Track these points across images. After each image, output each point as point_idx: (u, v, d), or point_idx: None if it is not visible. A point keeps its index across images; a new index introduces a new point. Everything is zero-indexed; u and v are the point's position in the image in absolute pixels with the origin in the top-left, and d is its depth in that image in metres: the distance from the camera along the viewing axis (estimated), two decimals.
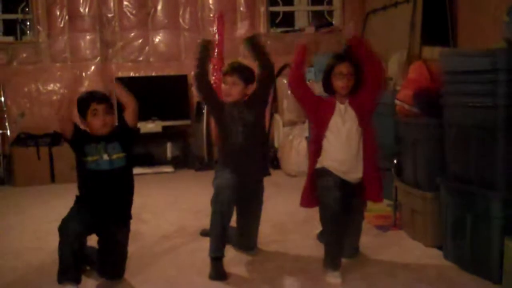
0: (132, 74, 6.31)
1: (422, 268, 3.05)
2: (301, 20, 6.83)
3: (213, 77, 5.86)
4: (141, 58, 6.36)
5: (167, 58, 6.40)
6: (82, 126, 2.90)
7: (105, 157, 2.86)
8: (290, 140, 5.66)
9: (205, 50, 3.32)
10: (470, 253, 2.91)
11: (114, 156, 2.88)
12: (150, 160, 6.15)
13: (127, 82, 6.12)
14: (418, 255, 3.24)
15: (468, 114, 2.94)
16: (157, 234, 3.79)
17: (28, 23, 6.22)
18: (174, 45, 6.39)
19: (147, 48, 6.36)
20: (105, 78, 6.18)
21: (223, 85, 3.30)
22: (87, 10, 6.13)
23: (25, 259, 3.36)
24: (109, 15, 6.25)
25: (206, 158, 6.06)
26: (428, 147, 3.37)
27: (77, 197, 2.94)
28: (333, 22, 6.78)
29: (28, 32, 6.25)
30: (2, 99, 5.97)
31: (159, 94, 6.06)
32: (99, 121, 2.84)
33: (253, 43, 3.29)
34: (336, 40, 6.35)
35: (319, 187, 2.97)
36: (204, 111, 5.94)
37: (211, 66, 5.99)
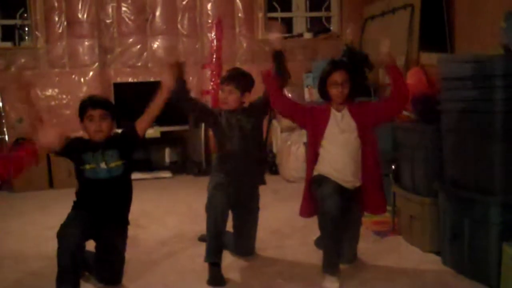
0: (130, 79, 6.32)
1: (420, 273, 3.06)
2: (299, 26, 6.85)
3: (211, 83, 5.89)
4: (139, 64, 6.36)
5: (165, 64, 6.40)
6: (82, 131, 2.91)
7: (103, 165, 2.86)
8: (289, 145, 5.67)
9: (180, 84, 3.22)
10: (468, 258, 2.92)
11: (112, 164, 2.88)
12: (148, 166, 6.15)
13: (126, 88, 6.18)
14: (416, 261, 3.24)
15: (466, 120, 2.95)
16: (156, 239, 3.79)
17: (26, 29, 6.23)
18: (172, 51, 6.39)
19: (145, 53, 6.37)
20: (104, 84, 6.18)
21: (220, 93, 3.31)
22: (85, 16, 6.13)
23: (24, 264, 3.36)
24: (108, 21, 6.26)
25: (204, 164, 6.06)
26: (426, 153, 3.38)
27: (74, 202, 2.94)
28: (331, 28, 6.80)
29: (26, 37, 6.25)
30: (0, 104, 5.96)
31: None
32: (93, 127, 2.85)
33: (280, 60, 3.24)
34: (334, 45, 6.37)
35: (318, 193, 2.96)
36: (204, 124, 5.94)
37: (209, 72, 6.03)
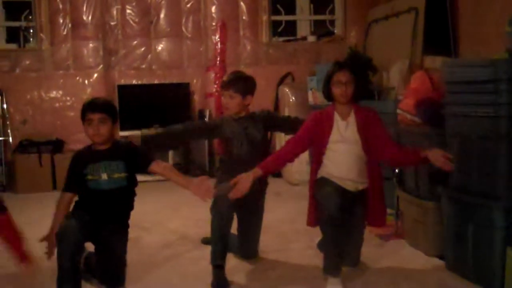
0: (134, 81, 6.34)
1: (424, 277, 3.05)
2: (303, 29, 6.86)
3: (215, 85, 5.89)
4: (143, 66, 6.38)
5: (169, 66, 6.42)
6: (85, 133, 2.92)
7: (104, 176, 2.85)
8: None
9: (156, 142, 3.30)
10: (472, 262, 2.91)
11: (115, 175, 2.86)
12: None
13: (130, 90, 6.20)
14: (420, 265, 3.23)
15: (470, 124, 2.94)
16: (159, 242, 3.79)
17: (31, 31, 6.25)
18: (176, 53, 6.41)
19: (149, 56, 6.38)
20: (108, 86, 6.20)
21: (222, 98, 3.30)
22: (90, 18, 6.15)
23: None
24: (112, 23, 6.28)
25: (208, 166, 6.06)
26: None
27: (75, 202, 2.95)
28: (335, 31, 6.81)
29: (31, 39, 6.27)
30: (5, 106, 5.98)
31: (161, 101, 6.07)
32: (91, 131, 2.83)
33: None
34: (338, 49, 6.37)
35: (319, 194, 2.95)
36: (206, 119, 5.95)
37: (213, 75, 6.04)
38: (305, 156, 5.38)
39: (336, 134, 3.01)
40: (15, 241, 2.86)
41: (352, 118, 3.03)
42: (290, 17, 6.85)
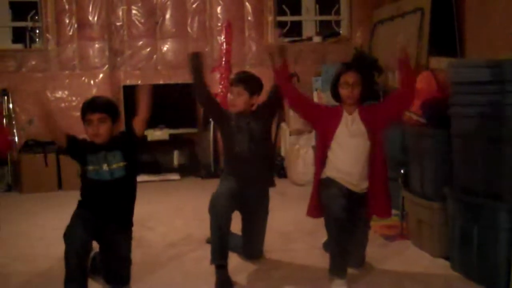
0: (140, 82, 6.33)
1: (429, 278, 3.04)
2: (309, 30, 6.85)
3: (220, 86, 5.90)
4: (149, 67, 6.38)
5: (174, 67, 6.42)
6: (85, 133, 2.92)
7: (105, 167, 2.86)
8: (297, 149, 5.66)
9: (196, 61, 3.26)
10: (477, 263, 2.90)
11: (114, 166, 2.87)
12: (156, 168, 6.16)
13: (135, 90, 6.19)
14: (425, 265, 3.22)
15: (476, 125, 2.93)
16: (163, 241, 3.80)
17: (37, 31, 6.27)
18: (182, 54, 6.40)
19: (155, 56, 6.39)
20: (113, 86, 6.21)
21: (229, 95, 3.31)
22: (96, 18, 6.17)
23: (33, 265, 3.38)
24: (118, 24, 6.29)
25: (213, 166, 6.07)
26: (436, 158, 3.36)
27: (79, 202, 2.95)
28: (340, 32, 6.80)
29: (37, 40, 6.29)
30: (11, 106, 6.00)
31: (166, 102, 6.04)
32: (91, 131, 2.84)
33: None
34: (343, 49, 6.36)
35: (325, 196, 2.96)
36: (211, 119, 5.96)
37: (218, 75, 6.04)
38: (310, 158, 5.40)
39: (343, 128, 3.03)
40: None
41: (356, 114, 3.05)
42: (295, 18, 6.85)
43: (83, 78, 6.20)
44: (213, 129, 5.96)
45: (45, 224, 4.30)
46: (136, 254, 3.04)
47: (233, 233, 3.31)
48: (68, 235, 2.69)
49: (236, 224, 3.30)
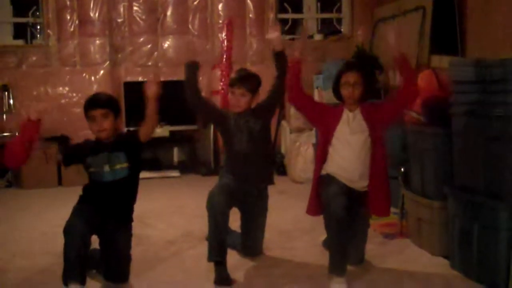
0: (140, 79, 6.32)
1: (428, 277, 3.04)
2: (310, 28, 6.84)
3: (221, 83, 5.89)
4: (150, 63, 6.38)
5: (175, 64, 6.40)
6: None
7: (106, 168, 2.87)
8: (297, 146, 5.66)
9: (191, 70, 3.29)
10: (477, 262, 2.90)
11: (117, 166, 2.88)
12: (156, 165, 6.17)
13: (136, 87, 6.20)
14: (425, 264, 3.22)
15: (477, 124, 2.93)
16: (163, 238, 3.80)
17: (38, 27, 6.27)
18: (183, 51, 6.40)
19: (156, 53, 6.39)
20: (114, 83, 6.21)
21: (230, 95, 3.30)
22: (97, 14, 6.16)
23: (32, 261, 3.38)
24: (119, 20, 6.28)
25: (213, 163, 6.07)
26: (436, 156, 3.36)
27: (80, 196, 2.96)
28: (342, 30, 6.79)
29: (38, 35, 6.29)
30: (11, 101, 6.00)
31: (167, 99, 6.02)
32: (95, 127, 2.87)
33: (281, 59, 3.26)
34: (344, 47, 6.36)
35: (324, 193, 2.96)
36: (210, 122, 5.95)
37: (219, 72, 6.03)
38: (310, 155, 5.40)
39: (344, 125, 3.03)
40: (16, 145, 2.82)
41: (358, 111, 3.05)
42: (297, 15, 6.84)
43: (84, 75, 6.20)
44: (213, 126, 5.96)
45: (45, 220, 4.31)
46: (136, 251, 3.04)
47: (233, 230, 3.32)
48: (67, 229, 2.70)
49: (235, 222, 3.31)
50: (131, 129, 5.27)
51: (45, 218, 4.38)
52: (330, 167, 3.06)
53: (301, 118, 5.86)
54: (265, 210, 3.36)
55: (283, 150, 6.19)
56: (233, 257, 3.18)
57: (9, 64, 6.06)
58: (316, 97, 5.61)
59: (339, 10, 6.83)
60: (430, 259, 3.29)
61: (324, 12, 6.87)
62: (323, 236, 3.29)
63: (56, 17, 6.12)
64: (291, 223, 4.05)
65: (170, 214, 4.48)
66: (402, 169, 3.72)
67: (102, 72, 6.22)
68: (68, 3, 6.11)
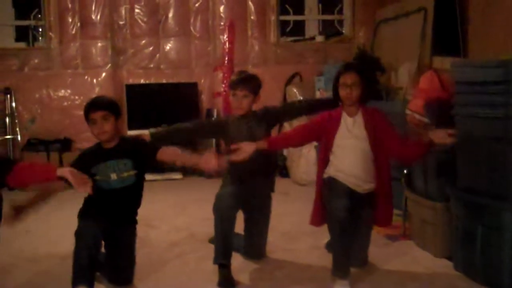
0: (142, 81, 6.35)
1: (432, 278, 3.04)
2: (312, 29, 6.85)
3: (223, 85, 5.90)
4: (151, 65, 6.39)
5: (177, 66, 6.43)
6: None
7: (114, 176, 2.88)
8: (300, 148, 5.65)
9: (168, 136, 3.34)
10: (481, 264, 2.89)
11: (125, 174, 2.89)
12: (159, 167, 6.16)
13: (138, 89, 6.21)
14: (428, 266, 3.22)
15: (480, 125, 2.93)
16: (166, 240, 3.80)
17: (40, 30, 6.28)
18: (184, 53, 6.42)
19: (157, 55, 6.39)
20: (116, 85, 6.22)
21: (231, 98, 3.29)
22: (98, 17, 6.17)
23: (37, 264, 3.38)
24: (121, 23, 6.29)
25: None
26: (439, 157, 3.36)
27: (85, 200, 2.96)
28: (343, 31, 6.79)
29: (40, 38, 6.30)
30: (13, 104, 6.01)
31: (169, 101, 6.08)
32: (96, 130, 2.87)
33: None
34: (346, 49, 6.36)
35: (327, 195, 2.96)
36: (214, 119, 5.95)
37: (220, 74, 6.04)
38: (312, 157, 5.39)
39: (344, 130, 3.02)
40: (35, 176, 2.82)
41: (359, 117, 3.03)
42: (298, 17, 6.84)
43: (86, 77, 6.21)
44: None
45: (49, 223, 4.30)
46: (140, 253, 3.04)
47: (236, 233, 3.32)
48: (80, 233, 2.71)
49: (239, 225, 3.31)
50: (135, 134, 5.31)
51: (49, 221, 4.37)
52: (332, 171, 3.05)
53: (304, 121, 5.87)
54: (268, 212, 3.36)
55: (285, 152, 6.18)
56: (236, 260, 3.18)
57: (11, 67, 6.07)
58: None
59: (340, 12, 6.83)
60: (433, 261, 3.29)
61: (326, 13, 6.87)
62: (326, 238, 3.29)
63: (58, 20, 6.13)
64: (294, 225, 4.05)
65: (173, 216, 4.48)
66: (405, 171, 3.72)
67: (104, 74, 6.23)
68: (69, 5, 6.12)
